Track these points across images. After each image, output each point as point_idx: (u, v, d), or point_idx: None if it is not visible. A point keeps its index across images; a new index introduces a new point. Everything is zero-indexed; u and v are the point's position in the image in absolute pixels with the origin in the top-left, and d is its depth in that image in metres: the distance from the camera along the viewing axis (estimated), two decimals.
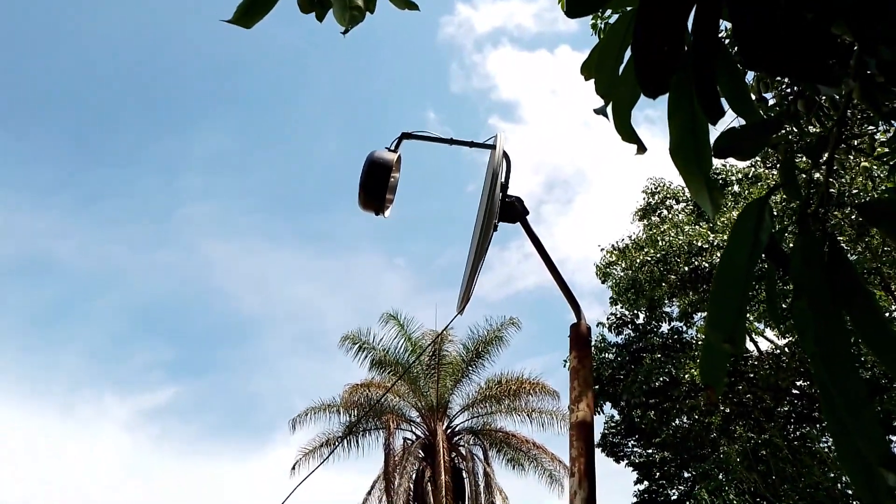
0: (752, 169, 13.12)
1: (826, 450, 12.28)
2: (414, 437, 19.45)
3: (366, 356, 19.51)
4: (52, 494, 29.50)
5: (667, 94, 1.26)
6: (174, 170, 37.81)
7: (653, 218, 14.78)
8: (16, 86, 34.83)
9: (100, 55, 38.95)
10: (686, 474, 16.69)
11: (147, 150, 38.05)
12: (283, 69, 42.45)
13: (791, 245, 0.98)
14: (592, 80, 1.42)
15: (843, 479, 11.03)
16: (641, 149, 1.31)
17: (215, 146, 38.57)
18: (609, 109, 1.25)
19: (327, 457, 17.97)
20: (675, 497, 16.97)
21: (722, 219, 13.22)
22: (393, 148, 3.15)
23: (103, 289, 36.29)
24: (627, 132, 1.27)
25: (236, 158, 39.31)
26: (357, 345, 19.52)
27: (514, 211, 3.07)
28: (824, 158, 1.02)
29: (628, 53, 1.31)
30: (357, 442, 19.18)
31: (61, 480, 30.56)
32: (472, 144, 3.25)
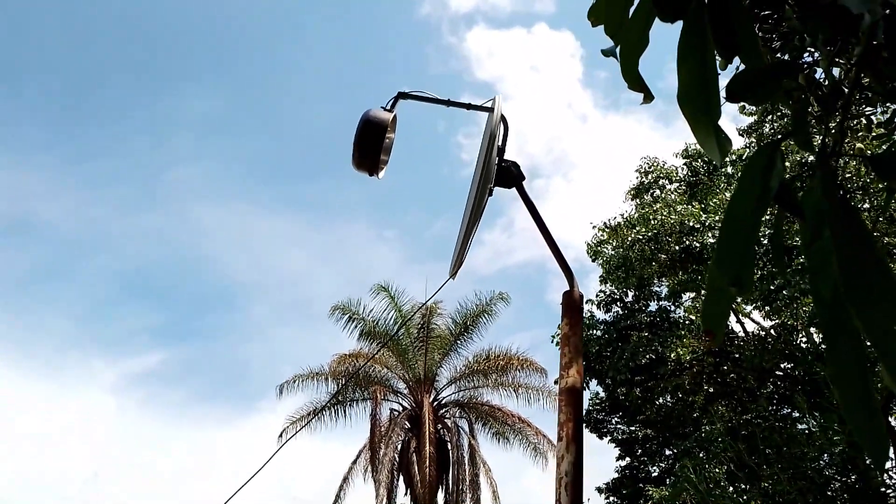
0: (747, 150, 13.10)
1: (806, 431, 12.48)
2: (400, 409, 19.62)
3: (355, 327, 19.57)
4: (38, 455, 29.63)
5: (674, 50, 1.22)
6: (164, 131, 37.30)
7: (645, 197, 14.77)
8: (1, 43, 34.06)
9: (89, 11, 38.10)
10: (667, 452, 16.96)
11: (136, 110, 37.52)
12: (277, 33, 41.76)
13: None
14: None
15: (824, 456, 11.24)
16: (648, 97, 1.27)
17: (207, 108, 38.05)
18: (617, 52, 1.20)
19: (310, 419, 18.08)
20: (655, 474, 17.26)
21: (714, 200, 13.23)
22: (388, 107, 3.09)
23: (90, 251, 36.06)
24: (634, 79, 1.23)
25: (228, 121, 38.87)
26: (347, 315, 19.55)
27: (510, 175, 3.03)
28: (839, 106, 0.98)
29: None
30: (344, 412, 19.35)
31: (46, 442, 30.68)
32: (469, 107, 3.19)
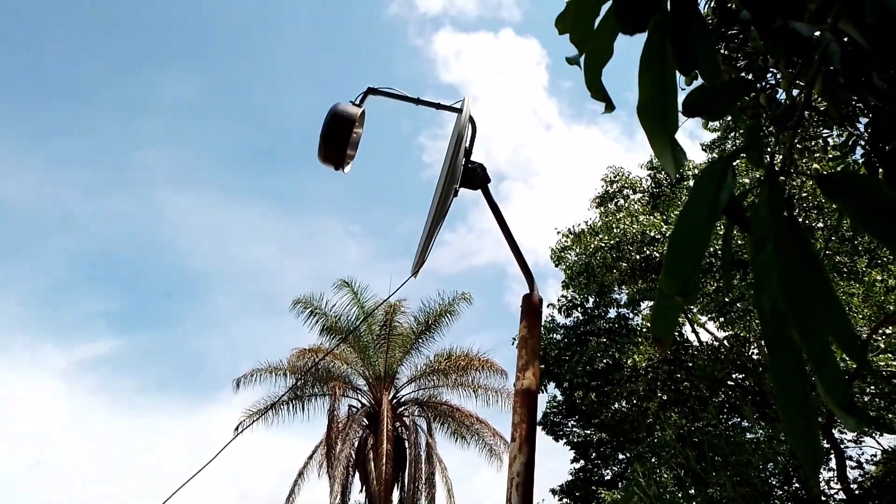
0: (704, 167, 13.39)
1: (753, 441, 12.85)
2: (359, 405, 19.52)
3: (316, 321, 19.39)
4: None
5: (635, 68, 1.24)
6: (133, 113, 36.33)
7: (609, 206, 15.00)
8: None
9: None
10: (621, 456, 17.26)
11: (105, 90, 36.45)
12: (250, 23, 41.12)
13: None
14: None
15: (769, 465, 11.59)
16: (610, 107, 1.29)
17: (178, 93, 37.18)
18: (581, 61, 1.22)
19: (266, 411, 17.85)
20: (608, 477, 17.56)
21: (675, 212, 13.51)
22: (357, 102, 3.07)
23: (49, 231, 34.90)
24: (597, 88, 1.25)
25: (198, 108, 38.07)
26: (309, 309, 19.36)
27: (475, 177, 3.04)
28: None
29: (605, 8, 1.28)
30: (302, 407, 19.16)
31: None
32: (438, 106, 3.19)
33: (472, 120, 3.13)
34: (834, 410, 0.74)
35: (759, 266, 0.81)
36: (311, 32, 41.52)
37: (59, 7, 36.56)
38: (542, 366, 14.62)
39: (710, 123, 13.76)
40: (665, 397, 14.06)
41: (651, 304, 14.64)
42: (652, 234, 12.56)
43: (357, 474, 18.55)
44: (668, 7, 0.96)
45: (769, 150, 0.94)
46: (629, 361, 13.00)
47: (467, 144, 3.11)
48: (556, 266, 15.07)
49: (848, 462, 12.59)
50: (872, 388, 11.84)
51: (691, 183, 14.57)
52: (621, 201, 15.08)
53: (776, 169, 0.87)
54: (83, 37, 37.22)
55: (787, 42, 0.97)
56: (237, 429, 18.25)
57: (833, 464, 12.41)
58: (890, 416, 11.43)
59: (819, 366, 0.73)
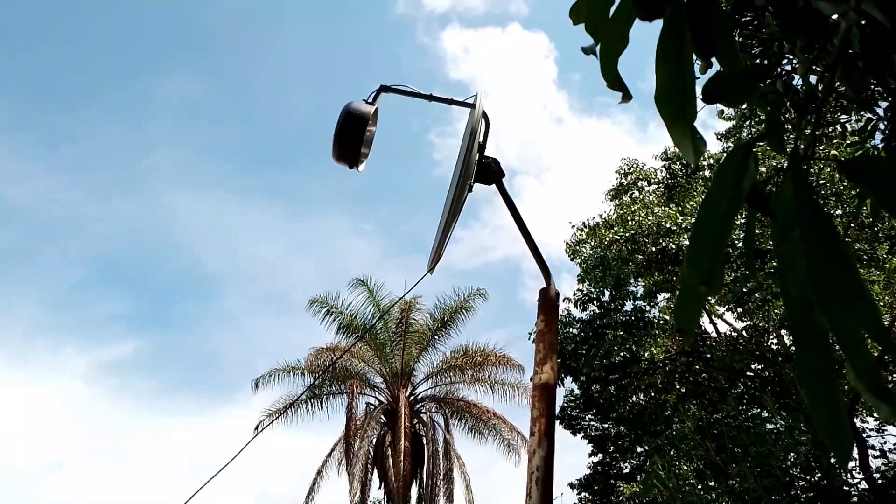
0: (725, 155, 13.27)
1: (773, 431, 12.73)
2: (377, 403, 19.61)
3: (333, 320, 19.49)
4: (4, 443, 29.04)
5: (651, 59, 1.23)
6: (139, 116, 36.61)
7: (624, 198, 14.89)
8: None
9: None
10: (639, 449, 17.18)
11: (110, 94, 36.77)
12: (255, 22, 41.29)
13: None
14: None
15: (790, 456, 11.48)
16: (627, 96, 1.28)
17: (183, 94, 37.40)
18: (597, 50, 1.21)
19: (284, 411, 17.98)
20: (627, 471, 17.48)
21: (691, 202, 13.40)
22: (370, 100, 3.07)
23: (62, 236, 35.34)
24: (613, 77, 1.24)
25: (205, 109, 38.32)
26: (325, 308, 19.46)
27: (490, 172, 3.03)
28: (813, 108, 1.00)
29: None
30: (321, 405, 19.29)
31: (9, 428, 30.09)
32: (451, 102, 3.19)
33: (485, 115, 3.13)
34: (866, 397, 0.72)
35: (784, 253, 0.80)
36: (317, 32, 41.64)
37: (61, 12, 36.93)
38: (560, 360, 14.58)
39: (726, 111, 13.61)
40: (683, 389, 13.97)
41: (668, 295, 14.54)
42: (668, 225, 12.47)
43: (376, 471, 18.65)
44: None
45: (791, 136, 0.93)
46: (646, 354, 12.92)
47: (481, 139, 3.11)
48: (572, 260, 15.02)
49: (870, 451, 12.44)
50: (893, 376, 11.68)
51: (707, 173, 14.44)
52: (636, 193, 14.97)
53: (799, 154, 0.86)
54: (84, 40, 37.59)
55: (806, 25, 0.96)
56: (257, 428, 18.42)
57: (855, 453, 12.27)
58: None
59: (850, 352, 0.72)
